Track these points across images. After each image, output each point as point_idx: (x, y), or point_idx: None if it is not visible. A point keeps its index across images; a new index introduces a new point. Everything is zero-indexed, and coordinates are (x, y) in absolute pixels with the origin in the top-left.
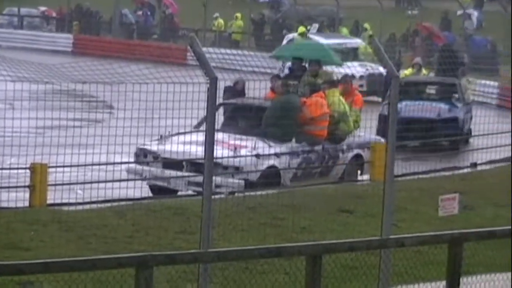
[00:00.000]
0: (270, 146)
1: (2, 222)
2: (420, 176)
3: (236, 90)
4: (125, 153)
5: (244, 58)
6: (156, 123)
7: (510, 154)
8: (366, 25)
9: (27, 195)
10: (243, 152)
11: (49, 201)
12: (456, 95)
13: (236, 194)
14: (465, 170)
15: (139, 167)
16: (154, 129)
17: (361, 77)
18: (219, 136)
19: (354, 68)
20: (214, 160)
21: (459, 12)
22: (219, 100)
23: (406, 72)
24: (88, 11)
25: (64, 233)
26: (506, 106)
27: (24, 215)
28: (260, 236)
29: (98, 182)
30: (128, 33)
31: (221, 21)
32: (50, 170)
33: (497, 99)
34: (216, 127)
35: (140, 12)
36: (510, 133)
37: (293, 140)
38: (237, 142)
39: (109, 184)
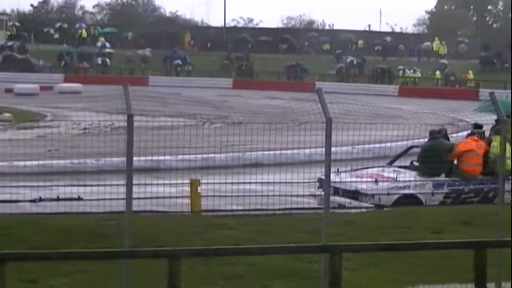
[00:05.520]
0: (415, 179)
1: None
2: None
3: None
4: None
5: None
6: None
7: None
8: None
9: None
10: (384, 182)
11: None
12: None
13: None
14: None
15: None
16: None
17: None
18: (385, 170)
19: None
20: (355, 189)
21: None
22: None
23: None
24: None
25: None
26: None
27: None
28: None
29: None
30: None
31: None
32: None
33: None
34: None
35: None
36: None
37: (442, 175)
38: (386, 175)
39: None
